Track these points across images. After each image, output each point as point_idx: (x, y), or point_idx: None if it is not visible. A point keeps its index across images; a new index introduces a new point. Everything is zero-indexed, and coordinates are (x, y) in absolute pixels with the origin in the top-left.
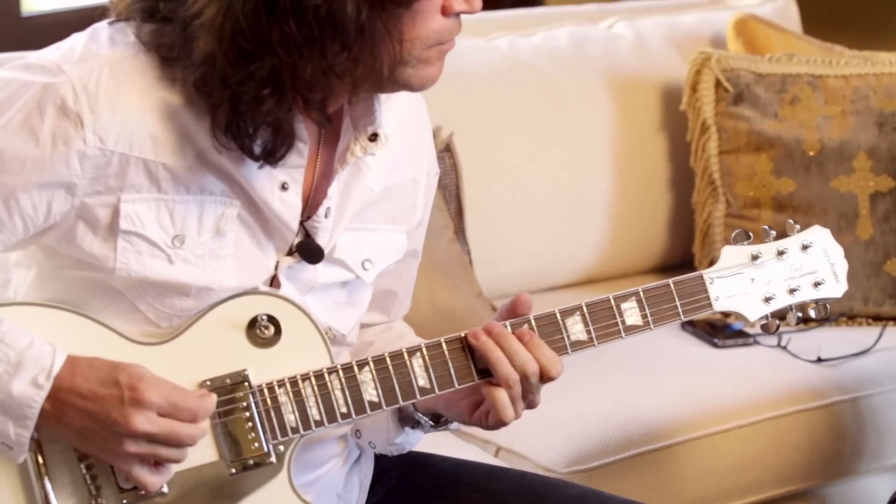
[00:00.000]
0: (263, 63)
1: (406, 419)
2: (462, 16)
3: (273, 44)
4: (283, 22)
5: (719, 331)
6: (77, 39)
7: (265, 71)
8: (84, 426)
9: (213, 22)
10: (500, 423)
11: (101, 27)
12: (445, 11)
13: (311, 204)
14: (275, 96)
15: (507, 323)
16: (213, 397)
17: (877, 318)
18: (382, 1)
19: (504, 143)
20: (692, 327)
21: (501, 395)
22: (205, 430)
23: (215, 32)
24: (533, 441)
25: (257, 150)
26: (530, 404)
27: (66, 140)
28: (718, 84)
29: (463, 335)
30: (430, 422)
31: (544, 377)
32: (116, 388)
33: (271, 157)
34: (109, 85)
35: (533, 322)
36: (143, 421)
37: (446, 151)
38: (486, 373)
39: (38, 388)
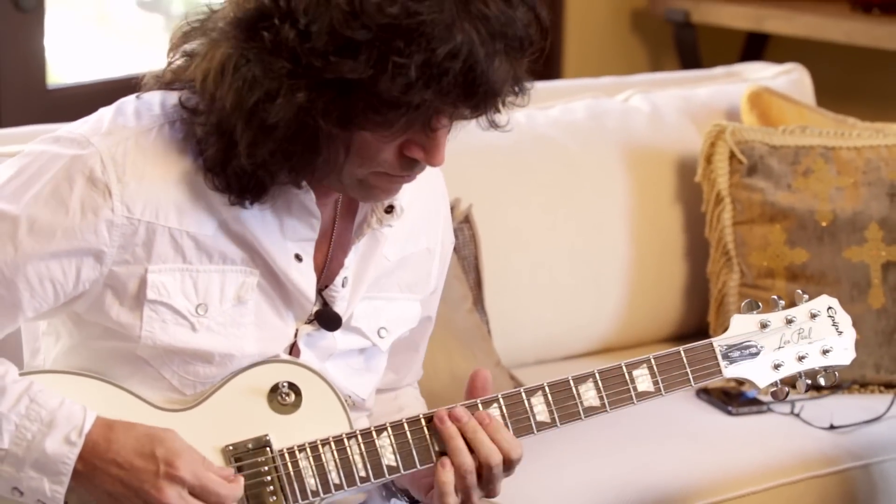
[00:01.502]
0: (214, 117)
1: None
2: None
3: (226, 102)
4: (237, 83)
5: (733, 398)
6: (104, 113)
7: (213, 123)
8: (116, 491)
9: (214, 79)
10: None
11: (128, 101)
12: (402, 150)
13: (328, 273)
14: (220, 148)
15: (479, 400)
16: (241, 482)
17: (889, 386)
18: (333, 115)
19: (522, 214)
20: (707, 395)
21: (445, 478)
22: None
23: (210, 85)
24: None
25: (222, 183)
26: (489, 493)
27: (95, 209)
28: (733, 156)
29: (478, 401)
30: (405, 497)
31: (506, 463)
32: (152, 462)
33: (234, 193)
34: (136, 156)
35: (501, 400)
36: (175, 497)
37: (465, 223)
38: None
39: (71, 445)
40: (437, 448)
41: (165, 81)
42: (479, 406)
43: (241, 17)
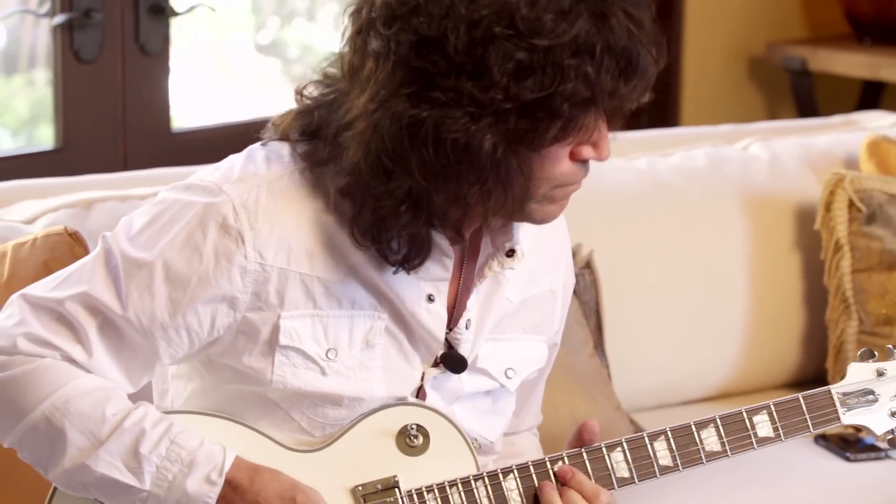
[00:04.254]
0: (402, 183)
1: None
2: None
3: (412, 167)
4: (422, 148)
5: (851, 444)
6: (235, 161)
7: (403, 190)
8: None
9: (361, 136)
10: None
11: (257, 149)
12: (574, 156)
13: (453, 316)
14: (410, 213)
15: (603, 444)
16: None
17: None
18: (517, 143)
19: (642, 260)
20: (825, 441)
21: None
22: None
23: (363, 146)
24: None
25: (393, 256)
26: None
27: (228, 256)
28: (852, 204)
29: (602, 445)
30: None
31: None
32: None
33: (406, 264)
34: (268, 203)
35: (625, 444)
36: None
37: (586, 268)
38: None
39: (212, 484)
40: None
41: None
42: (604, 449)
43: (398, 83)
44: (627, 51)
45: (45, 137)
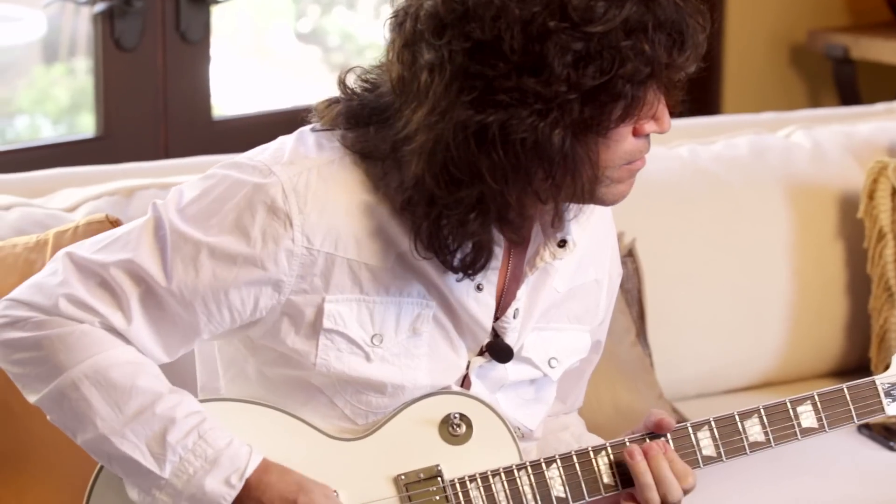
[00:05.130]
0: (472, 190)
1: None
2: None
3: (482, 172)
4: (491, 151)
5: (894, 434)
6: (285, 142)
7: (473, 197)
8: None
9: (423, 148)
10: None
11: (307, 132)
12: (636, 133)
13: (500, 305)
14: (479, 219)
15: (646, 435)
16: None
17: None
18: (585, 132)
19: (685, 248)
20: (868, 430)
21: None
22: None
23: (426, 158)
24: None
25: (456, 262)
26: None
27: (276, 239)
28: (895, 192)
29: (644, 436)
30: None
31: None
32: None
33: (470, 269)
34: (318, 187)
35: (668, 434)
36: None
37: (629, 256)
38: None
39: (230, 487)
40: (605, 481)
41: (332, 123)
42: (647, 441)
43: (458, 99)
44: (677, 23)
45: (85, 126)
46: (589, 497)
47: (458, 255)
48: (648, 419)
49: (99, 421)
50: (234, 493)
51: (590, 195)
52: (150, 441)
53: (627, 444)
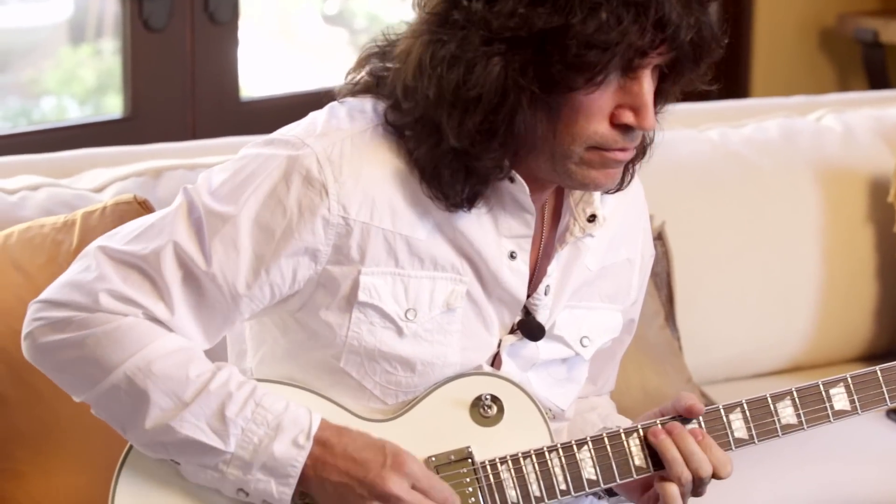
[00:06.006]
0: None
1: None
2: (660, 113)
3: (429, 93)
4: (439, 67)
5: None
6: (317, 116)
7: (421, 118)
8: (339, 482)
9: (405, 58)
10: None
11: (337, 105)
12: (612, 119)
13: (532, 282)
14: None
15: (679, 417)
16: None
17: None
18: (533, 81)
19: (714, 232)
20: None
21: (673, 491)
22: None
23: (402, 78)
24: None
25: (457, 197)
26: (696, 494)
27: (312, 209)
28: None
29: (678, 418)
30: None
31: (714, 477)
32: (381, 454)
33: (471, 203)
34: (352, 156)
35: (700, 417)
36: (399, 486)
37: (658, 239)
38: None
39: (300, 448)
40: (636, 463)
41: (360, 91)
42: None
43: (431, 13)
44: (645, 3)
45: (112, 107)
46: (620, 479)
47: (459, 188)
48: (678, 402)
49: (158, 411)
50: (304, 454)
51: (561, 168)
52: (209, 419)
53: (658, 425)
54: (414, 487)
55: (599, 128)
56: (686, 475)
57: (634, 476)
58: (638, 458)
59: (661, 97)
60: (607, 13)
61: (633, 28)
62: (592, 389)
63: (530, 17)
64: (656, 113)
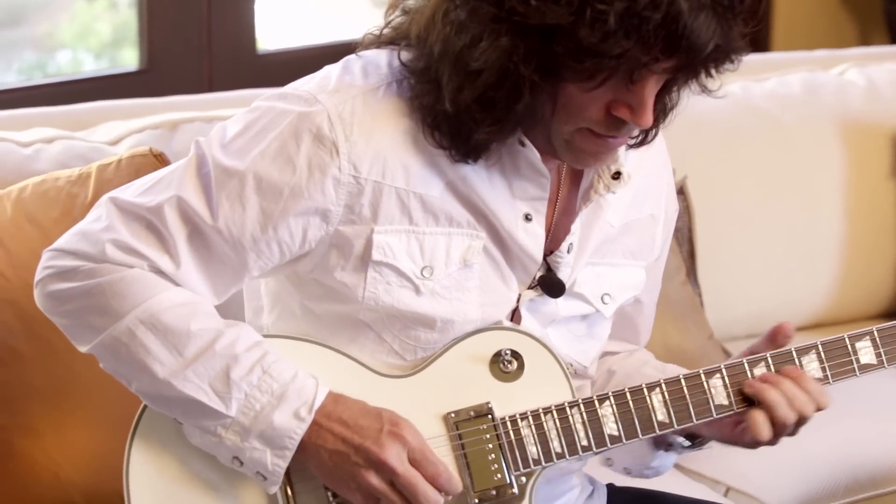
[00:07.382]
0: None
1: (659, 443)
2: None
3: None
4: (447, 26)
5: None
6: (331, 71)
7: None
8: (335, 449)
9: (418, 20)
10: (756, 444)
11: (354, 59)
12: (609, 109)
13: (553, 239)
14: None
15: (745, 360)
16: (459, 481)
17: None
18: (539, 63)
19: (736, 187)
20: None
21: (760, 420)
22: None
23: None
24: (762, 482)
25: (461, 148)
26: (792, 434)
27: (322, 167)
28: None
29: (700, 372)
30: (686, 442)
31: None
32: (378, 421)
33: (466, 154)
34: (364, 114)
35: (724, 370)
36: (394, 455)
37: (680, 194)
38: (746, 400)
39: (300, 420)
40: (658, 418)
41: (384, 41)
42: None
43: None
44: (676, 13)
45: (127, 60)
46: (643, 435)
47: (443, 126)
48: (766, 336)
49: (158, 366)
50: (304, 426)
51: (557, 144)
52: (213, 380)
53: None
54: (410, 457)
55: (594, 114)
56: (790, 419)
57: (657, 431)
58: (661, 413)
59: (665, 95)
60: (616, 23)
61: (639, 44)
62: (630, 348)
63: (541, 9)
64: (656, 113)
